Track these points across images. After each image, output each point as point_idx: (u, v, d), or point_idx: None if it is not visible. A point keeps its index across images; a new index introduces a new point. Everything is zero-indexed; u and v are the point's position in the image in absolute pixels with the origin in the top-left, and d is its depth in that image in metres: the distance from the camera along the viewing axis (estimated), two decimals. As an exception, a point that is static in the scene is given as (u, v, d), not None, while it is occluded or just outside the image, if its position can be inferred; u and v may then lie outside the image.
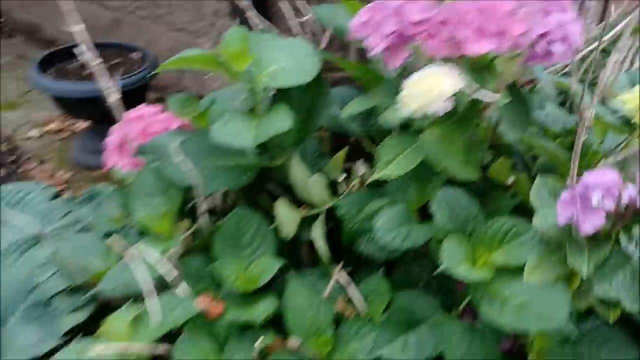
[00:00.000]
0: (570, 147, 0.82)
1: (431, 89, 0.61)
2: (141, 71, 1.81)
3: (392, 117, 0.70)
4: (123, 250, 0.71)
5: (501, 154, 0.86)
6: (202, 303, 0.71)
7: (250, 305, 0.74)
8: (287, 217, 0.78)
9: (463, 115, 0.67)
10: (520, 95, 0.77)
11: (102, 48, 1.88)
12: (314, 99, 0.82)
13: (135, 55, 1.96)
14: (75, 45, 0.81)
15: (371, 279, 0.76)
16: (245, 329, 0.74)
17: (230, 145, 0.71)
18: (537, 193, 0.62)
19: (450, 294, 0.76)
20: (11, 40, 2.93)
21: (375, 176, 0.70)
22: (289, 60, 0.78)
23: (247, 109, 0.80)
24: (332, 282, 0.73)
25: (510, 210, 0.74)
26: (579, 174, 0.59)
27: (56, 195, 1.14)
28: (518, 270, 0.60)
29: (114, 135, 0.92)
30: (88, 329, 0.90)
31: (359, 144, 0.99)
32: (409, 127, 0.76)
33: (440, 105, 0.62)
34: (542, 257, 0.59)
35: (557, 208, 0.56)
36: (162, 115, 0.92)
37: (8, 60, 2.70)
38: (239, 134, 0.72)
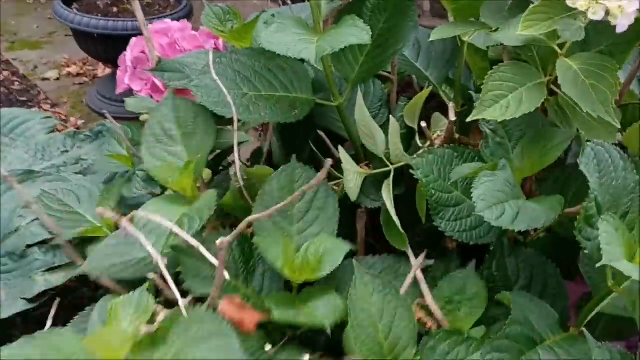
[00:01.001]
0: None
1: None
2: (174, 14, 1.62)
3: (510, 37, 0.50)
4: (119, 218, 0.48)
5: (632, 118, 0.65)
6: (226, 310, 0.48)
7: (298, 304, 0.51)
8: (351, 173, 0.57)
9: (621, 40, 0.46)
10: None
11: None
12: (393, 19, 0.62)
13: (169, -3, 1.77)
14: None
15: (457, 275, 0.55)
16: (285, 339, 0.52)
17: (284, 54, 0.51)
18: None
19: (560, 302, 0.55)
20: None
21: (477, 115, 0.50)
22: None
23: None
24: (409, 279, 0.52)
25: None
26: None
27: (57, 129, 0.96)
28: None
29: (131, 51, 0.73)
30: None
31: (433, 97, 0.79)
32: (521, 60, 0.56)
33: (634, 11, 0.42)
34: None
35: None
36: (192, 31, 0.73)
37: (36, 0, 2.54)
38: (297, 44, 0.51)
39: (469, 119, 0.52)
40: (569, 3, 0.47)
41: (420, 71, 0.76)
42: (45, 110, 1.75)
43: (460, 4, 0.65)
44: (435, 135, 0.61)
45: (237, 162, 0.63)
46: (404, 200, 0.65)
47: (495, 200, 0.49)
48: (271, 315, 0.47)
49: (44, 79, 1.92)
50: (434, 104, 0.81)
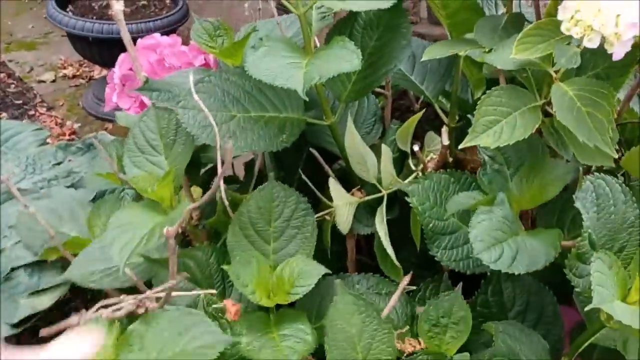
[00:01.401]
0: None
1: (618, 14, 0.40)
2: (170, 15, 1.60)
3: (503, 59, 0.48)
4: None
5: (631, 136, 0.64)
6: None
7: (273, 327, 0.51)
8: (343, 203, 0.56)
9: (618, 63, 0.45)
10: None
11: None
12: (385, 37, 0.60)
13: (165, -1, 1.75)
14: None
15: (444, 298, 0.54)
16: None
17: (271, 83, 0.49)
18: None
19: (555, 330, 0.54)
20: (37, -21, 2.75)
21: (468, 142, 0.49)
22: (360, -20, 0.55)
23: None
24: (395, 298, 0.51)
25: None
26: None
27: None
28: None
29: (119, 68, 0.71)
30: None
31: (429, 106, 0.77)
32: (516, 79, 0.54)
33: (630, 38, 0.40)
34: None
35: None
36: (182, 47, 0.71)
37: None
38: (284, 71, 0.50)
39: (460, 147, 0.50)
40: (563, 30, 0.45)
41: (415, 85, 0.74)
42: (41, 114, 1.73)
43: (456, 20, 0.64)
44: (428, 158, 0.59)
45: (222, 183, 0.61)
46: (398, 220, 0.64)
47: (493, 240, 0.48)
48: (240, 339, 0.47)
49: (40, 81, 1.91)
50: (432, 115, 0.79)
